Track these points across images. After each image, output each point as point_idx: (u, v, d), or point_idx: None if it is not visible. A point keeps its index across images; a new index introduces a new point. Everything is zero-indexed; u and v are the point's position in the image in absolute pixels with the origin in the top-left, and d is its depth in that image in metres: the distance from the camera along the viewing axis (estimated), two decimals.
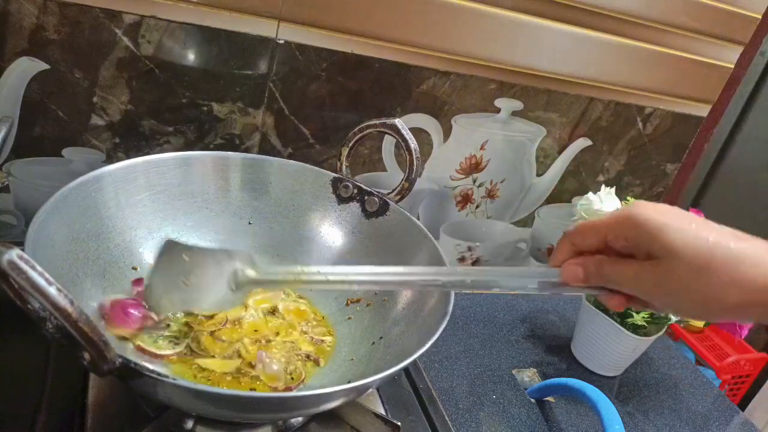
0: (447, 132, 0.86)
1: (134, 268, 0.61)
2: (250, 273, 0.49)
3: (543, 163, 0.96)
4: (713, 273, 0.37)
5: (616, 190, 0.81)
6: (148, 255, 0.63)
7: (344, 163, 0.69)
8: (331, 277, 0.48)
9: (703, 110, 1.00)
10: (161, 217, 0.64)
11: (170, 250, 0.51)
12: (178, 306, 0.53)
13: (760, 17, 0.93)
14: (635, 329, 0.78)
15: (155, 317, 0.56)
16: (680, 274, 0.38)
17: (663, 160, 1.03)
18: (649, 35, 0.88)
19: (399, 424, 0.57)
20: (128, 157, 0.66)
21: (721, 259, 0.37)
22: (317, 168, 0.70)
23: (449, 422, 0.66)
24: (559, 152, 0.96)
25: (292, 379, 0.58)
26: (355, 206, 0.70)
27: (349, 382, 0.47)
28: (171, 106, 0.72)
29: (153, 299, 0.52)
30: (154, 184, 0.63)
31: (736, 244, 0.38)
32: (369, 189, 0.69)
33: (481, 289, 0.46)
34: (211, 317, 0.60)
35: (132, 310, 0.55)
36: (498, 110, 0.87)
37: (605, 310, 0.80)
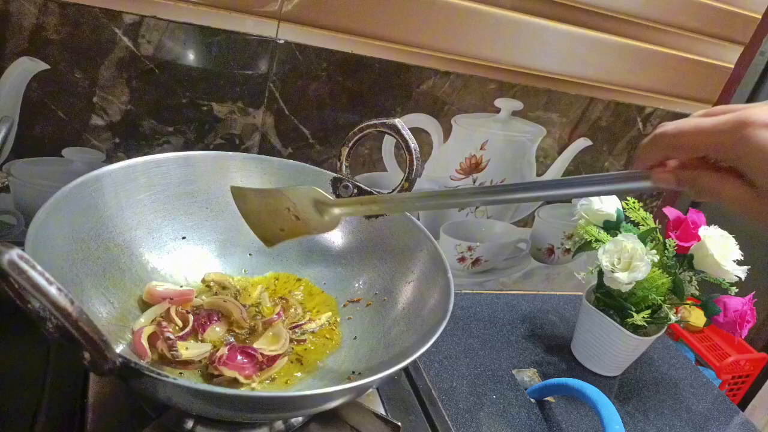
0: (447, 132, 0.86)
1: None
2: (330, 199, 0.55)
3: (543, 163, 0.96)
4: None
5: None
6: (148, 255, 0.63)
7: (344, 163, 0.69)
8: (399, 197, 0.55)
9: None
10: (161, 217, 0.64)
11: (244, 193, 0.58)
12: (289, 235, 0.58)
13: (760, 17, 0.93)
14: (635, 329, 0.78)
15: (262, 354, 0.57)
16: None
17: None
18: (649, 35, 0.88)
19: (399, 424, 0.57)
20: (128, 157, 0.66)
21: None
22: (317, 168, 0.70)
23: (449, 422, 0.66)
24: (559, 152, 0.96)
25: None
26: None
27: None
28: (171, 106, 0.72)
29: (263, 234, 0.58)
30: (154, 184, 0.63)
31: None
32: (369, 189, 0.69)
33: (568, 197, 0.42)
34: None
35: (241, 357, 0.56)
36: (498, 110, 0.87)
37: (605, 310, 0.80)
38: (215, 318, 0.60)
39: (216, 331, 0.59)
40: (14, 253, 0.32)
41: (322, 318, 0.64)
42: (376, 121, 0.66)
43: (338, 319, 0.65)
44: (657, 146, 0.37)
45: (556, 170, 0.97)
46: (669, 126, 0.37)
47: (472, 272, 1.02)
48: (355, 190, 0.69)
